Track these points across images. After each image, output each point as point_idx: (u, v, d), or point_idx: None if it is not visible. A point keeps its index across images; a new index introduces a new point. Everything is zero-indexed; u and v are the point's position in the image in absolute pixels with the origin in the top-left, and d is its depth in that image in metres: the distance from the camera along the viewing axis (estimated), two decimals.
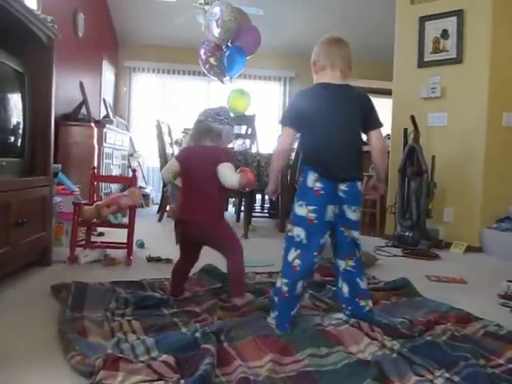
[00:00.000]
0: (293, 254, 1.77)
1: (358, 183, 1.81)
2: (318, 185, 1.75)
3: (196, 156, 2.08)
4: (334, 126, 1.81)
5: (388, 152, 5.02)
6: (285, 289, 1.76)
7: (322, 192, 1.75)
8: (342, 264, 1.87)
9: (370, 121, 1.85)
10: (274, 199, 2.21)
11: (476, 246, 3.88)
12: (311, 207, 1.75)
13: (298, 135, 1.90)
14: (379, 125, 1.87)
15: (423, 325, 1.80)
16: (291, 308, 1.77)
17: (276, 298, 1.80)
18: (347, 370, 1.43)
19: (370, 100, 1.90)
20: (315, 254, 1.77)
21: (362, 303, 1.83)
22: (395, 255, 3.58)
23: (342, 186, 1.77)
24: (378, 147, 1.87)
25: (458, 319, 1.91)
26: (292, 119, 1.86)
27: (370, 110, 1.86)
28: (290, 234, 1.80)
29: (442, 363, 1.47)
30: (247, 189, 2.60)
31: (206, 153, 2.08)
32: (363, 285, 1.86)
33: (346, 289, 1.85)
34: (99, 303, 1.94)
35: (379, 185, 1.98)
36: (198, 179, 2.03)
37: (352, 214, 1.79)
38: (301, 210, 1.78)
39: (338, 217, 1.78)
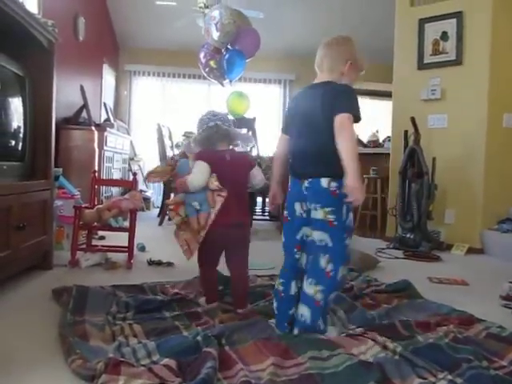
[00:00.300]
0: (284, 256, 1.87)
1: (322, 180, 1.69)
2: (290, 184, 1.85)
3: (226, 159, 2.05)
4: (298, 125, 1.82)
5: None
6: (280, 288, 1.82)
7: (290, 190, 1.84)
8: (303, 283, 1.76)
9: (333, 109, 1.66)
10: (272, 209, 2.10)
11: (477, 247, 3.87)
12: (286, 204, 1.85)
13: None
14: (342, 110, 1.64)
15: (422, 326, 1.80)
16: (289, 308, 1.79)
17: (275, 299, 1.85)
18: (349, 372, 1.43)
19: (339, 89, 1.73)
20: (295, 250, 1.81)
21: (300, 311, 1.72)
22: (396, 257, 3.58)
23: (305, 183, 1.74)
24: (337, 129, 1.63)
25: (461, 321, 1.90)
26: (282, 124, 1.96)
27: (333, 99, 1.68)
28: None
29: (444, 365, 1.47)
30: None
31: (238, 156, 2.10)
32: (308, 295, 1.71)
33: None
34: (100, 307, 1.94)
35: (349, 185, 1.59)
36: (235, 182, 2.01)
37: (315, 213, 1.71)
38: (285, 211, 1.87)
39: (307, 215, 1.76)
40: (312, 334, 1.67)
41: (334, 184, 1.68)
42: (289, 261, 1.83)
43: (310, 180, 1.72)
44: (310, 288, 1.70)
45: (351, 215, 1.74)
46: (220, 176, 1.96)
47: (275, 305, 1.84)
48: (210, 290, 2.14)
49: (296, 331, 1.73)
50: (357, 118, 1.68)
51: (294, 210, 1.80)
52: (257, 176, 2.13)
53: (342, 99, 1.68)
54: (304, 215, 1.77)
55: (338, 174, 1.64)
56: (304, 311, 1.70)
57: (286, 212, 1.83)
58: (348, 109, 1.65)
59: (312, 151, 1.74)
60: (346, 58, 1.81)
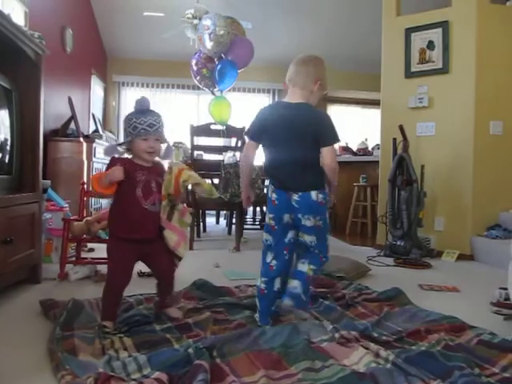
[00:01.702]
0: (269, 256, 2.02)
1: (313, 193, 1.92)
2: (274, 195, 1.98)
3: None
4: (283, 143, 1.95)
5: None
6: (263, 286, 1.99)
7: (276, 202, 1.97)
8: (297, 264, 2.03)
9: (322, 138, 1.94)
10: (246, 208, 2.26)
11: (467, 253, 3.89)
12: (271, 215, 2.01)
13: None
14: (330, 142, 1.95)
15: (414, 335, 1.80)
16: (271, 303, 2.00)
17: (257, 296, 2.03)
18: (342, 383, 1.41)
19: (323, 118, 2.01)
20: (285, 252, 2.01)
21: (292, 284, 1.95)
22: (387, 265, 3.58)
23: (295, 196, 1.92)
24: (326, 163, 1.96)
25: (452, 328, 1.91)
26: (253, 133, 2.04)
27: (322, 128, 1.95)
28: (263, 239, 2.05)
29: (437, 373, 1.46)
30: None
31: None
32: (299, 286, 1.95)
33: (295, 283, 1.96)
34: (90, 319, 1.91)
35: (332, 198, 2.07)
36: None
37: (307, 222, 1.94)
38: (266, 218, 2.04)
39: (295, 222, 1.97)
40: (303, 344, 1.67)
41: (321, 196, 1.94)
42: (279, 261, 2.00)
43: (300, 194, 1.92)
44: (303, 267, 1.98)
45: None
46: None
47: (258, 301, 2.02)
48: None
49: (287, 300, 1.93)
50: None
51: (281, 219, 1.98)
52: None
53: (330, 130, 1.97)
54: (291, 222, 1.98)
55: (322, 185, 1.96)
56: (296, 284, 1.94)
57: (271, 221, 2.00)
58: (333, 141, 1.96)
59: (301, 165, 1.94)
60: (317, 77, 2.00)
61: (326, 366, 1.52)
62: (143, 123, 1.92)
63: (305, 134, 1.93)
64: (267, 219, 2.02)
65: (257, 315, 2.02)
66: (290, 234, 2.01)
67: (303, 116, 1.96)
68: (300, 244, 2.02)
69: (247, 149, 2.08)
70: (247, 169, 2.12)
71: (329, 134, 1.95)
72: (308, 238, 1.98)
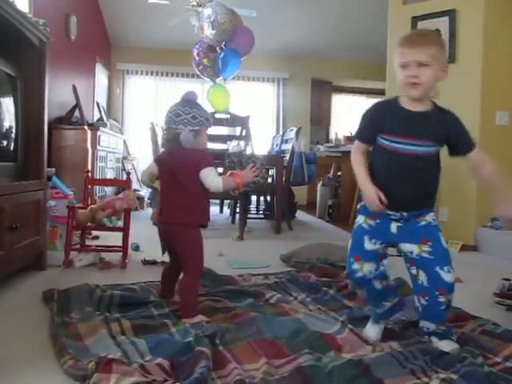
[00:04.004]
0: None
1: None
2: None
3: (169, 159, 2.00)
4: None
5: None
6: None
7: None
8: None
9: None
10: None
11: (471, 244, 3.89)
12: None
13: None
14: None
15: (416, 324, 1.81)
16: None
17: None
18: (339, 369, 1.41)
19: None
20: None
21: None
22: (391, 255, 3.56)
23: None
24: None
25: (455, 318, 1.91)
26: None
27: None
28: None
29: (439, 363, 1.47)
30: (237, 191, 2.56)
31: (184, 155, 1.95)
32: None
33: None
34: (86, 303, 1.93)
35: None
36: (175, 181, 1.95)
37: None
38: None
39: None
40: (310, 334, 1.67)
41: None
42: None
43: None
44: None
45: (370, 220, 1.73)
46: (162, 175, 2.02)
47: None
48: (162, 284, 2.17)
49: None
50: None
51: None
52: (208, 177, 1.91)
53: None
54: None
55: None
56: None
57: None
58: None
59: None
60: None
61: (328, 356, 1.51)
62: (209, 116, 2.02)
63: None
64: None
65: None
66: None
67: None
68: None
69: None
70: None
71: None
72: None
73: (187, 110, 1.93)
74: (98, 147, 4.84)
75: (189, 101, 1.99)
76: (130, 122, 7.25)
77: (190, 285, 1.92)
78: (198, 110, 1.96)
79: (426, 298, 1.62)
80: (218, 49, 4.86)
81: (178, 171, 1.94)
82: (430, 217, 1.70)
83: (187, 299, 1.91)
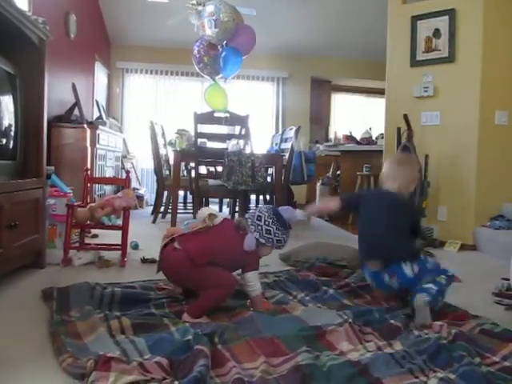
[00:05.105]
0: None
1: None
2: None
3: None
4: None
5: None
6: None
7: None
8: None
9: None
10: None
11: (470, 244, 3.89)
12: None
13: None
14: None
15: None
16: None
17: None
18: (337, 369, 1.41)
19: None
20: None
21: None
22: None
23: None
24: None
25: (454, 317, 1.91)
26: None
27: None
28: None
29: (437, 362, 1.47)
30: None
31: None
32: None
33: None
34: (86, 302, 1.93)
35: None
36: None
37: None
38: None
39: None
40: (308, 332, 1.68)
41: None
42: None
43: None
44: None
45: None
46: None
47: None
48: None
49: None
50: None
51: None
52: (254, 280, 2.00)
53: None
54: None
55: None
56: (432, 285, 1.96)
57: None
58: None
59: None
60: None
61: (325, 355, 1.51)
62: (284, 241, 2.04)
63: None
64: None
65: None
66: None
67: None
68: None
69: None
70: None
71: None
72: None
73: (269, 222, 1.98)
74: (98, 146, 4.84)
75: (280, 219, 2.01)
76: (130, 120, 7.24)
77: (216, 293, 1.91)
78: (277, 230, 1.99)
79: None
80: (219, 47, 4.85)
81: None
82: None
83: (204, 303, 1.90)
